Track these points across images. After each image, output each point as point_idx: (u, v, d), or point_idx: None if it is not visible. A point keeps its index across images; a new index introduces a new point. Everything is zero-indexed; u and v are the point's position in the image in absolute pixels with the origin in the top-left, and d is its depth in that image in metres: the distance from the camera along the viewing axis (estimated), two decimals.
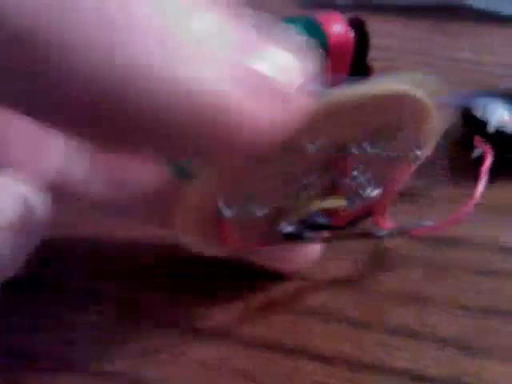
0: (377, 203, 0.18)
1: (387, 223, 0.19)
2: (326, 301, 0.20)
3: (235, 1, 0.12)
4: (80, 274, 0.22)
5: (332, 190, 0.17)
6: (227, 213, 0.16)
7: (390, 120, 0.16)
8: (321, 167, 0.16)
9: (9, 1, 0.09)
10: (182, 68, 0.10)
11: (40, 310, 0.20)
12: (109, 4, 0.10)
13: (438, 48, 0.38)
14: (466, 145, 0.24)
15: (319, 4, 0.40)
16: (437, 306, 0.20)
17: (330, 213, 0.18)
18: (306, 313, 0.20)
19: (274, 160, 0.15)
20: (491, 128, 0.25)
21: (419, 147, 0.17)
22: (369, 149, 0.16)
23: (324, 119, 0.14)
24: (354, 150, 0.16)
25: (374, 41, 0.30)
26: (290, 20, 0.27)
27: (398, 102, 0.15)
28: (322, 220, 0.18)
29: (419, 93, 0.16)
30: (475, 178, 0.20)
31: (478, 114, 0.26)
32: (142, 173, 0.18)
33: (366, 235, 0.19)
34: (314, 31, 0.27)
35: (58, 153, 0.17)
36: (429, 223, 0.20)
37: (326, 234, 0.19)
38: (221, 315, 0.20)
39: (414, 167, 0.18)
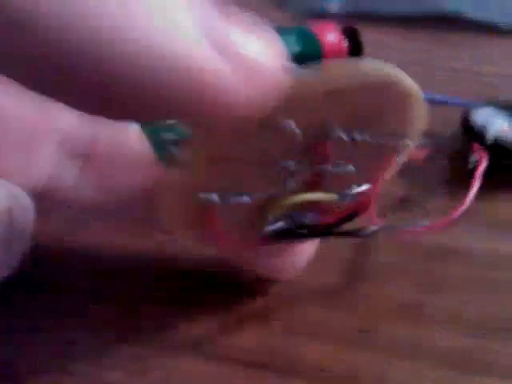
0: (364, 200, 0.18)
1: (375, 221, 0.18)
2: (315, 316, 0.20)
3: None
4: (79, 277, 0.22)
5: (318, 181, 0.17)
6: (213, 198, 0.15)
7: (372, 102, 0.15)
8: (304, 151, 0.16)
9: None
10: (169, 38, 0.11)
11: (39, 311, 0.20)
12: None
13: (437, 59, 0.38)
14: (465, 157, 0.24)
15: (313, 14, 0.39)
16: (432, 322, 0.20)
17: (317, 210, 0.18)
18: (297, 329, 0.20)
19: (257, 141, 0.15)
20: (490, 137, 0.24)
21: (405, 137, 0.17)
22: (352, 134, 0.16)
23: (304, 98, 0.14)
24: (336, 134, 0.15)
25: (372, 52, 0.29)
26: (284, 30, 0.27)
27: (379, 85, 0.15)
28: (309, 218, 0.18)
29: (402, 76, 0.15)
30: None
31: (478, 123, 0.26)
32: (131, 177, 0.18)
33: (353, 233, 0.19)
34: (308, 40, 0.27)
35: (49, 159, 0.17)
36: (419, 225, 0.19)
37: (313, 232, 0.18)
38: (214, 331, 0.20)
39: (400, 159, 0.17)
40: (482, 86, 0.34)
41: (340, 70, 0.14)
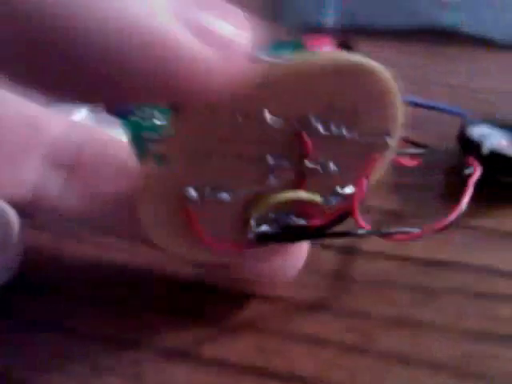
0: (350, 203, 0.17)
1: (360, 224, 0.18)
2: (314, 325, 0.20)
3: None
4: (80, 282, 0.22)
5: (301, 181, 0.16)
6: (193, 195, 0.15)
7: (347, 91, 0.15)
8: (282, 145, 0.15)
9: None
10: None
11: (39, 313, 0.20)
12: None
13: (433, 73, 0.38)
14: (461, 172, 0.24)
15: (309, 27, 0.39)
16: (429, 331, 0.20)
17: (303, 213, 0.17)
18: (295, 337, 0.19)
19: (234, 133, 0.15)
20: (486, 149, 0.24)
21: (387, 133, 0.16)
22: (329, 127, 0.15)
23: (278, 85, 0.14)
24: (313, 126, 0.15)
25: None
26: (280, 43, 0.26)
27: (352, 71, 0.15)
28: (295, 221, 0.17)
29: (378, 66, 0.15)
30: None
31: (474, 136, 0.26)
32: (116, 186, 0.18)
33: (344, 234, 0.18)
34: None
35: (34, 171, 0.18)
36: (411, 230, 0.19)
37: (299, 235, 0.18)
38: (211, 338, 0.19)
39: (384, 158, 0.17)
40: (478, 102, 0.34)
41: (314, 57, 0.14)
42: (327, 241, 0.23)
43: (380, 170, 0.17)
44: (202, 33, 0.12)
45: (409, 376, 0.18)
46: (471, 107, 0.33)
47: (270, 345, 0.19)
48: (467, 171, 0.22)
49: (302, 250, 0.19)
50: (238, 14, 0.12)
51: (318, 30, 0.37)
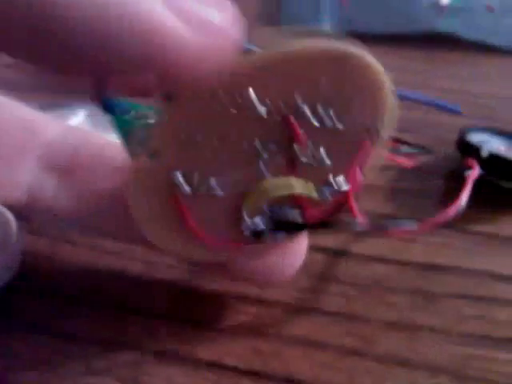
0: (344, 197, 0.17)
1: (356, 215, 0.18)
2: (312, 329, 0.20)
3: None
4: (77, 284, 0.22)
5: (293, 171, 0.16)
6: (181, 181, 0.15)
7: (333, 76, 0.15)
8: (272, 130, 0.15)
9: None
10: None
11: (38, 314, 0.20)
12: None
13: (433, 78, 0.38)
14: (459, 177, 0.24)
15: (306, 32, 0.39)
16: (429, 335, 0.20)
17: (297, 206, 0.17)
18: (293, 340, 0.19)
19: (225, 118, 0.15)
20: (485, 152, 0.24)
21: (377, 122, 0.16)
22: (317, 112, 0.15)
23: (266, 73, 0.14)
24: (300, 110, 0.15)
25: None
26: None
27: (338, 56, 0.15)
28: (290, 214, 0.17)
29: (367, 55, 0.15)
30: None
31: (474, 141, 0.26)
32: (112, 187, 0.18)
33: (339, 226, 0.18)
34: None
35: (29, 172, 0.18)
36: (409, 224, 0.19)
37: (294, 228, 0.18)
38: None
39: (376, 148, 0.17)
40: (478, 107, 0.34)
41: (301, 45, 0.14)
42: (326, 244, 0.23)
43: (373, 161, 0.17)
44: (191, 19, 0.12)
45: (408, 379, 0.18)
46: (471, 112, 0.34)
47: (267, 348, 0.19)
48: (467, 173, 0.22)
49: (300, 249, 0.19)
50: (227, 4, 0.13)
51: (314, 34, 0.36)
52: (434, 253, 0.23)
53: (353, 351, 0.19)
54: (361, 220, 0.17)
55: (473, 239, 0.24)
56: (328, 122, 0.15)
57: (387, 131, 0.16)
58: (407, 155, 0.23)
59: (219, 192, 0.16)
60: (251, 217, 0.16)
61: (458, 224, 0.24)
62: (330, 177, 0.17)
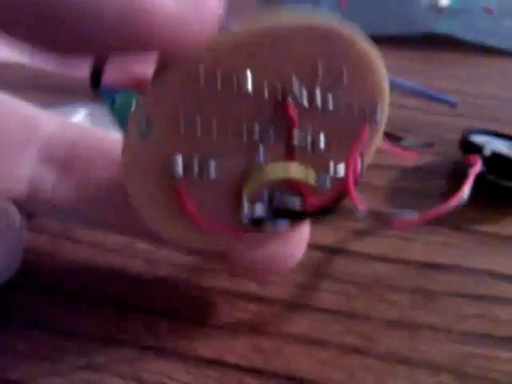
0: (346, 181, 0.17)
1: (357, 203, 0.18)
2: (314, 326, 0.20)
3: None
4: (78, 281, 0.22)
5: (291, 157, 0.16)
6: (179, 165, 0.15)
7: (328, 58, 0.15)
8: (267, 113, 0.15)
9: None
10: None
11: (39, 311, 0.20)
12: None
13: (432, 79, 0.38)
14: (462, 177, 0.24)
15: None
16: (429, 333, 0.20)
17: (299, 191, 0.17)
18: (293, 338, 0.19)
19: (217, 95, 0.14)
20: (488, 151, 0.24)
21: (372, 103, 0.16)
22: (315, 94, 0.15)
23: (254, 48, 0.14)
24: (293, 91, 0.15)
25: None
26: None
27: (324, 31, 0.15)
28: (290, 202, 0.17)
29: (349, 30, 0.15)
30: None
31: (476, 141, 0.26)
32: (110, 177, 0.18)
33: (342, 213, 0.18)
34: None
35: (30, 164, 0.18)
36: (410, 214, 0.19)
37: (295, 215, 0.17)
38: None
39: (374, 133, 0.17)
40: (477, 108, 0.35)
41: (286, 17, 0.14)
42: (326, 242, 0.23)
43: (372, 148, 0.17)
44: None
45: (409, 376, 0.18)
46: (470, 112, 0.34)
47: (268, 346, 0.19)
48: (470, 169, 0.22)
49: (300, 238, 0.19)
50: None
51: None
52: (434, 252, 0.23)
53: (354, 349, 0.19)
54: (361, 207, 0.17)
55: (473, 238, 0.24)
56: (322, 101, 0.15)
57: (383, 114, 0.16)
58: (408, 149, 0.23)
59: (218, 176, 0.15)
60: (251, 203, 0.16)
61: (458, 223, 0.25)
62: (331, 164, 0.16)
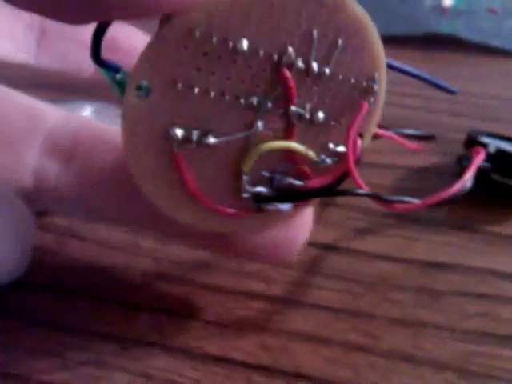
0: (346, 161, 0.17)
1: (358, 183, 0.17)
2: (318, 324, 0.20)
3: None
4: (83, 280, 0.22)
5: (291, 133, 0.16)
6: (178, 135, 0.15)
7: (322, 26, 0.15)
8: (267, 84, 0.15)
9: None
10: None
11: (41, 309, 0.20)
12: None
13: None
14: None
15: None
16: (433, 331, 0.20)
17: (300, 172, 0.17)
18: (299, 336, 0.20)
19: (214, 61, 0.14)
20: (493, 148, 0.24)
21: (370, 76, 0.16)
22: (311, 63, 0.15)
23: (245, 12, 0.14)
24: (290, 58, 0.15)
25: None
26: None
27: (322, 3, 0.14)
28: (295, 181, 0.17)
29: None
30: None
31: (482, 139, 0.26)
32: (114, 166, 0.18)
33: (342, 193, 0.18)
34: None
35: (34, 154, 0.18)
36: (413, 200, 0.19)
37: (296, 196, 0.17)
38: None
39: (373, 110, 0.17)
40: (479, 108, 0.35)
41: None
42: (330, 241, 0.23)
43: (372, 125, 0.17)
44: None
45: (413, 374, 0.18)
46: (472, 112, 0.34)
47: (274, 343, 0.19)
48: (473, 160, 0.22)
49: (304, 223, 0.19)
50: None
51: None
52: (437, 251, 0.23)
53: (358, 347, 0.19)
54: (363, 188, 0.17)
55: (476, 238, 0.24)
56: (319, 71, 0.15)
57: (381, 86, 0.16)
58: (411, 138, 0.23)
59: (218, 147, 0.15)
60: (251, 182, 0.16)
61: (460, 222, 0.25)
62: (330, 143, 0.16)
